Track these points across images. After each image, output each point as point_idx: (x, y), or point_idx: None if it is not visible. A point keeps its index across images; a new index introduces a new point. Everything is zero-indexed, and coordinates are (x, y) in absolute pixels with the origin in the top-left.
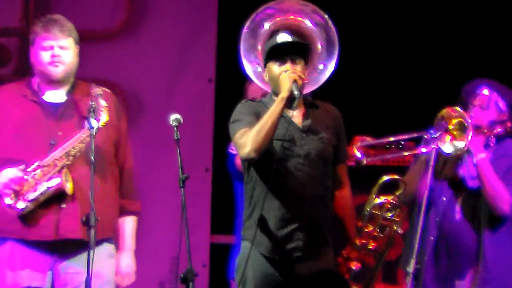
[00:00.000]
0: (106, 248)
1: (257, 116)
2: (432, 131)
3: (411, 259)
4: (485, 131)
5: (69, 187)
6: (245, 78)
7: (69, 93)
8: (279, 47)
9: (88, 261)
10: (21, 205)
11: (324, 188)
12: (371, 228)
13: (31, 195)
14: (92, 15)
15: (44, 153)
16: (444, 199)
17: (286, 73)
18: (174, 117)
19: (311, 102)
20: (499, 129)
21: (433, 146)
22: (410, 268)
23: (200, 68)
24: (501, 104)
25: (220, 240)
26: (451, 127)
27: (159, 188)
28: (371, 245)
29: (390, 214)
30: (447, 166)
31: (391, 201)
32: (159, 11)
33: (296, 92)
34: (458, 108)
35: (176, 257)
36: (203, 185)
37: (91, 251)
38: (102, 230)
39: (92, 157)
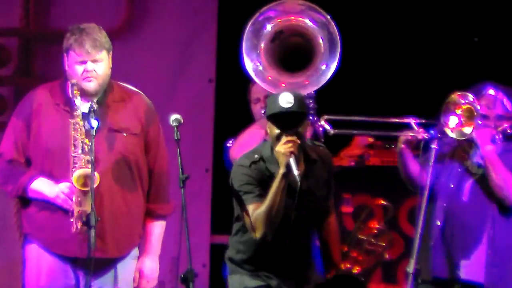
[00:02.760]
0: (133, 253)
1: (263, 184)
2: (432, 131)
3: (411, 259)
4: (492, 125)
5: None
6: (245, 78)
7: (101, 99)
8: (278, 114)
9: (88, 261)
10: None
11: (311, 237)
12: (356, 254)
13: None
14: (92, 15)
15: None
16: (452, 185)
17: (281, 146)
18: (174, 117)
19: (310, 158)
20: (506, 125)
21: (433, 146)
22: (410, 268)
23: (200, 68)
24: (507, 104)
25: (220, 240)
26: (459, 112)
27: None
28: (356, 270)
29: (376, 240)
30: (455, 153)
31: (378, 226)
32: (159, 11)
33: (296, 173)
34: (470, 95)
35: (176, 257)
36: (203, 185)
37: (91, 250)
38: (127, 247)
39: (92, 157)
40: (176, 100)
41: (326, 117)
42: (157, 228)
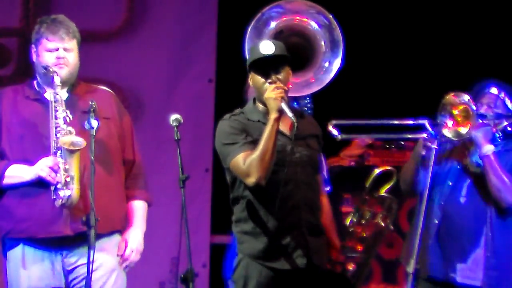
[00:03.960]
0: (115, 239)
1: (247, 132)
2: (432, 131)
3: (411, 259)
4: (491, 123)
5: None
6: (245, 78)
7: (70, 91)
8: (261, 60)
9: (88, 261)
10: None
11: (315, 192)
12: (359, 230)
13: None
14: (92, 15)
15: (47, 150)
16: (450, 183)
17: (271, 92)
18: (174, 117)
19: (298, 111)
20: (506, 123)
21: (433, 147)
22: (410, 268)
23: (200, 68)
24: (510, 103)
25: (220, 240)
26: (455, 112)
27: (159, 188)
28: (359, 247)
29: (381, 209)
30: (455, 151)
31: (383, 194)
32: (159, 11)
33: (290, 115)
34: (466, 95)
35: (176, 258)
36: (203, 185)
37: (91, 251)
38: (110, 223)
39: (92, 157)
40: (176, 100)
41: (334, 122)
42: (139, 206)
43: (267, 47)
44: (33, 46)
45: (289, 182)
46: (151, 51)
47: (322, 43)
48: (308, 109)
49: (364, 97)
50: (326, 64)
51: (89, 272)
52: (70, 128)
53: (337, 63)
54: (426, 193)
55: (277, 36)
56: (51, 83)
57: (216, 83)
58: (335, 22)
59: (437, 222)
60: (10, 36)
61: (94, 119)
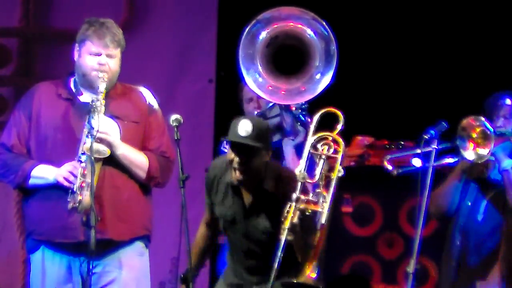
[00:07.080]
0: (137, 246)
1: (210, 193)
2: (432, 131)
3: (411, 259)
4: (510, 137)
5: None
6: (245, 79)
7: (105, 94)
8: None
9: (88, 262)
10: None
11: (271, 252)
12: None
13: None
14: (92, 15)
15: (71, 153)
16: (469, 203)
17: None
18: (174, 117)
19: (262, 188)
20: None
21: (434, 147)
22: (410, 268)
23: (200, 68)
24: None
25: (220, 240)
26: (474, 135)
27: (159, 188)
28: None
29: (331, 151)
30: (474, 169)
31: (330, 135)
32: (159, 11)
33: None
34: (482, 118)
35: (176, 258)
36: (203, 185)
37: (92, 252)
38: (132, 230)
39: (92, 157)
40: (176, 100)
41: (388, 157)
42: (138, 152)
43: (244, 128)
44: (76, 45)
45: (239, 246)
46: (151, 51)
47: (316, 49)
48: (303, 111)
49: (363, 104)
50: (318, 76)
51: (90, 273)
52: (101, 135)
53: (328, 76)
54: (426, 193)
55: (273, 41)
56: (93, 88)
57: (216, 83)
58: (332, 35)
59: (458, 243)
60: (10, 36)
61: (94, 119)
